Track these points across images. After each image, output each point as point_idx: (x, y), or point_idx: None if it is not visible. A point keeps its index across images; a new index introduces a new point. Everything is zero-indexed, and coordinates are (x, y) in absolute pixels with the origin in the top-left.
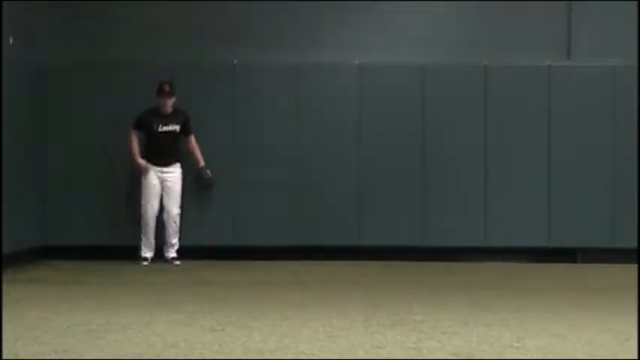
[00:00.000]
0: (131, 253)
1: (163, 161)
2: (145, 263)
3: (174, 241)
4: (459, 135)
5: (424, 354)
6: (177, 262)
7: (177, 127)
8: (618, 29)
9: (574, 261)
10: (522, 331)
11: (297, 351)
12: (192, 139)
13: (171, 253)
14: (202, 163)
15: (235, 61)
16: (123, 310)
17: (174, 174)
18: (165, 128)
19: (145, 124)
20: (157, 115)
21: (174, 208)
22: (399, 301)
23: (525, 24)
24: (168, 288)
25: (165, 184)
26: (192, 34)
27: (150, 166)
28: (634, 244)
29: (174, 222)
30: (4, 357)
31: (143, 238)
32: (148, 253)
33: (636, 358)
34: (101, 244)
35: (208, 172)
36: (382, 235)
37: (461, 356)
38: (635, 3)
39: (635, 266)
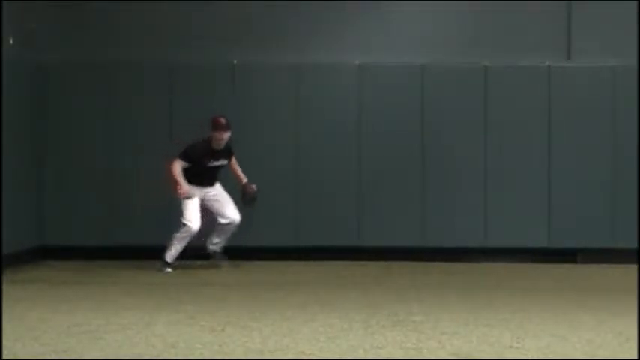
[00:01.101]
0: (132, 254)
1: (208, 184)
2: (169, 270)
3: (224, 239)
4: (459, 135)
5: (424, 354)
6: (224, 260)
7: (226, 162)
8: (618, 29)
9: (574, 261)
10: (522, 332)
11: (297, 351)
12: (233, 158)
13: (217, 248)
14: (245, 180)
15: (235, 61)
16: (123, 311)
17: (217, 187)
18: (216, 163)
19: (194, 159)
20: (209, 151)
21: (236, 216)
22: (399, 301)
23: (525, 24)
24: (169, 288)
25: (214, 198)
26: (192, 34)
27: (193, 188)
28: (634, 245)
29: (236, 227)
30: (4, 357)
31: (177, 248)
32: (175, 261)
33: (636, 358)
34: (101, 244)
35: (253, 186)
36: (383, 235)
37: (461, 356)
38: (635, 3)
39: (635, 267)
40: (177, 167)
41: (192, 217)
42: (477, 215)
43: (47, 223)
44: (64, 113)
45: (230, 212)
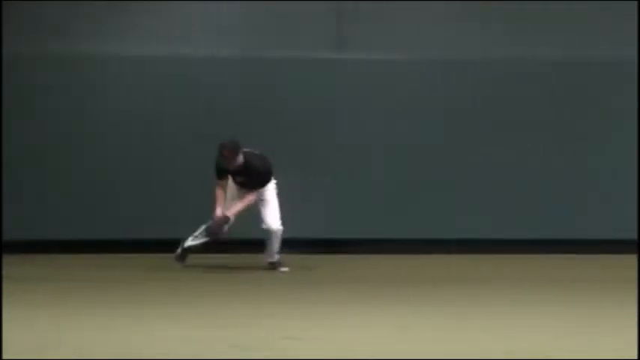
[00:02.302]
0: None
1: (253, 188)
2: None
3: (275, 247)
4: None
5: None
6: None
7: (246, 179)
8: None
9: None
10: None
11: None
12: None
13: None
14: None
15: None
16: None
17: (269, 187)
18: (239, 179)
19: (223, 173)
20: (226, 168)
21: (273, 224)
22: None
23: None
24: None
25: (261, 197)
26: None
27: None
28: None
29: (276, 236)
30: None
31: (272, 248)
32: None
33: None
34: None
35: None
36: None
37: None
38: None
39: None
40: (216, 188)
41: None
42: None
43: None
44: (22, 108)
45: (268, 218)
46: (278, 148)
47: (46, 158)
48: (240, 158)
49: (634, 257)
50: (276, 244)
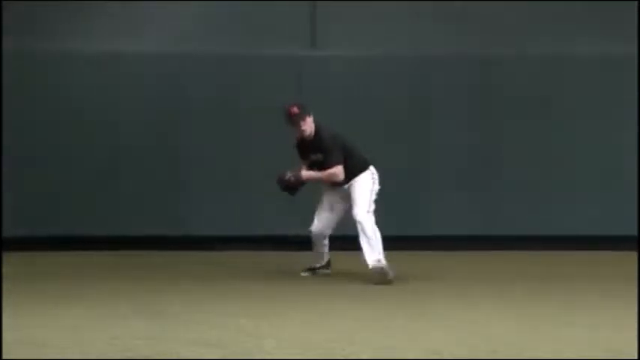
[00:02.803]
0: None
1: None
2: (304, 274)
3: (364, 248)
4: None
5: None
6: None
7: (320, 156)
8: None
9: None
10: None
11: None
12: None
13: (368, 261)
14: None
15: None
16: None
17: (352, 184)
18: (314, 157)
19: (298, 150)
20: (302, 143)
21: (356, 214)
22: None
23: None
24: None
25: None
26: None
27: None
28: None
29: (361, 230)
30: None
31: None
32: (315, 263)
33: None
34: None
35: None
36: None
37: None
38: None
39: None
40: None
41: (314, 218)
42: None
43: None
44: None
45: (354, 208)
46: (244, 147)
47: None
48: (310, 125)
49: None
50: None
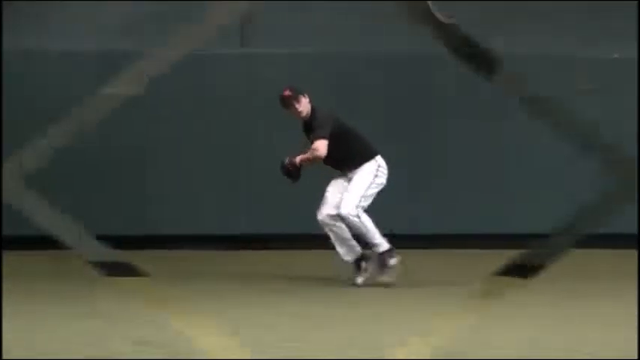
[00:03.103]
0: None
1: (336, 167)
2: (359, 281)
3: (371, 241)
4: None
5: None
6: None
7: (312, 136)
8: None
9: None
10: None
11: None
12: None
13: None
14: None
15: None
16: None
17: (355, 173)
18: (311, 139)
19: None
20: (303, 126)
21: (340, 207)
22: None
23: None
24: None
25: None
26: None
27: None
28: None
29: (353, 223)
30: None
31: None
32: (347, 256)
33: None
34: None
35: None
36: None
37: None
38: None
39: None
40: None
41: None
42: None
43: None
44: None
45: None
46: (185, 145)
47: None
48: (306, 106)
49: None
50: (362, 232)
